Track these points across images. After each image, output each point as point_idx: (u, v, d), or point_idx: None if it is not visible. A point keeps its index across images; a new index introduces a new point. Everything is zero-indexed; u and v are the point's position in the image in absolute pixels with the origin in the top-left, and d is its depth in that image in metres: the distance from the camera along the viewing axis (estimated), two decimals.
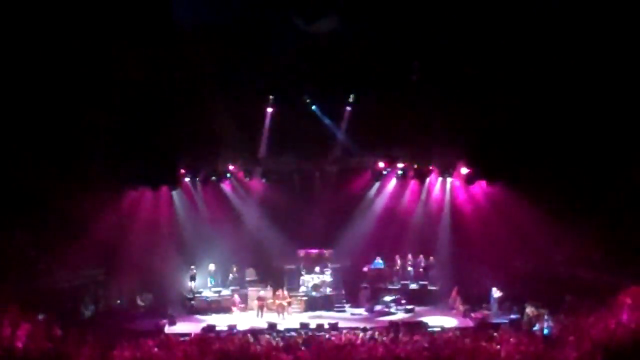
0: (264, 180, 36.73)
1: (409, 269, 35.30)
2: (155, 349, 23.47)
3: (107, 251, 32.28)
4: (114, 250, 32.65)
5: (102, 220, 31.56)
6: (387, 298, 33.78)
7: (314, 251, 35.51)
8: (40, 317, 25.11)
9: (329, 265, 35.11)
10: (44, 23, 26.91)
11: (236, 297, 33.71)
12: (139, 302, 33.31)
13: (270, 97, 33.62)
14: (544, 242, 32.06)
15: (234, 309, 33.26)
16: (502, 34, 28.90)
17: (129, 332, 28.24)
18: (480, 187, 35.02)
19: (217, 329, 29.27)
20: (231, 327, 29.45)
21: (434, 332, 27.96)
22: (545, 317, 27.61)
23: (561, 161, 30.52)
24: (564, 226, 30.45)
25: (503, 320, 30.07)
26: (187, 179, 35.52)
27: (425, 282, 34.77)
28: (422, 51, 30.33)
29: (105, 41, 28.18)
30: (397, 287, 34.64)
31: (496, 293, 32.12)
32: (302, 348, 23.73)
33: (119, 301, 33.19)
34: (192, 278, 34.33)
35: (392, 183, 37.00)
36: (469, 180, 34.97)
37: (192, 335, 27.62)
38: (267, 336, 27.38)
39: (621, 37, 27.41)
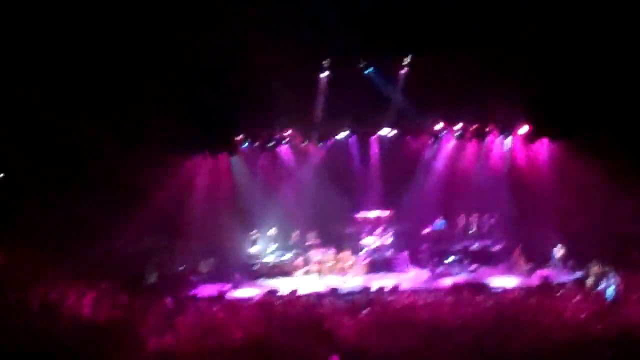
0: (321, 145, 36.69)
1: (473, 229, 35.11)
2: (219, 314, 23.67)
3: (168, 218, 32.60)
4: (175, 217, 32.99)
5: (163, 187, 31.91)
6: (449, 259, 33.65)
7: (374, 214, 35.41)
8: (104, 286, 25.41)
9: (390, 227, 35.03)
10: None
11: (298, 260, 33.85)
12: (202, 268, 33.51)
13: (325, 61, 33.50)
14: (606, 199, 31.61)
15: (295, 272, 33.40)
16: None
17: (193, 298, 28.61)
18: (541, 145, 34.66)
19: (279, 293, 29.46)
20: (293, 291, 29.62)
21: (497, 292, 27.86)
22: (611, 274, 27.34)
23: (621, 118, 30.12)
24: (627, 182, 30.03)
25: (567, 279, 29.84)
26: (244, 145, 35.63)
27: (488, 242, 34.59)
28: (478, 9, 29.94)
29: (158, 8, 28.31)
30: (459, 248, 34.43)
31: (559, 251, 31.88)
32: (365, 311, 23.75)
33: (181, 267, 33.43)
34: (254, 243, 34.53)
35: (451, 144, 36.74)
36: (530, 138, 34.65)
37: (255, 299, 27.80)
38: (329, 299, 27.53)
39: None
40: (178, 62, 30.20)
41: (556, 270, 31.51)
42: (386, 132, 36.34)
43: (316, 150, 36.95)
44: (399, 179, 36.27)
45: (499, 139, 36.11)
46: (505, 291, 28.09)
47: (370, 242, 34.46)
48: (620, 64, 29.29)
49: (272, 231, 34.90)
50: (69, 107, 28.06)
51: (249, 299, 28.06)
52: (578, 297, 24.03)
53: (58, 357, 18.07)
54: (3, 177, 29.01)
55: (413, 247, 34.71)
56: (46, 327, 19.12)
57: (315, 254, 33.70)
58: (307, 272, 33.50)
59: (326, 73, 33.84)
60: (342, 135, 36.43)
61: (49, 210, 28.16)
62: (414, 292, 28.30)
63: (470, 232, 35.03)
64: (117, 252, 30.12)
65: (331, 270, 32.89)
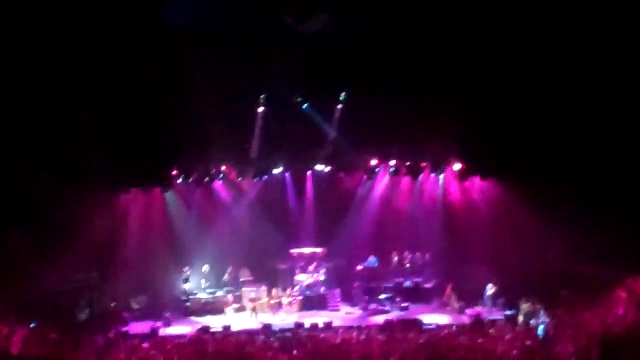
0: (256, 180, 36.63)
1: (406, 265, 35.24)
2: (151, 351, 23.41)
3: (100, 254, 32.15)
4: (107, 253, 32.55)
5: (95, 223, 31.48)
6: (382, 296, 33.71)
7: (308, 250, 35.44)
8: (32, 325, 24.98)
9: (323, 264, 35.06)
10: (35, 23, 26.88)
11: (229, 297, 33.66)
12: (134, 305, 33.17)
13: (261, 96, 33.57)
14: (538, 237, 31.94)
15: (226, 309, 33.21)
16: (495, 29, 28.84)
17: (124, 335, 28.28)
18: (473, 183, 35.04)
19: (212, 330, 29.24)
20: (226, 328, 29.45)
21: (429, 329, 27.96)
22: (541, 312, 27.65)
23: (553, 156, 30.50)
24: (558, 221, 30.31)
25: (499, 316, 30.10)
26: (179, 180, 35.41)
27: (420, 280, 34.78)
28: (412, 48, 30.22)
29: (96, 42, 28.12)
30: (391, 285, 34.53)
31: (491, 289, 32.20)
32: (297, 348, 23.67)
33: (113, 304, 32.98)
34: (186, 279, 34.28)
35: (385, 180, 36.92)
36: (462, 176, 35.00)
37: (188, 336, 27.58)
38: (262, 336, 27.42)
39: (617, 35, 27.39)
40: (113, 95, 29.93)
41: (488, 307, 31.82)
42: (321, 167, 36.37)
43: (251, 186, 36.87)
44: (332, 215, 36.42)
45: (432, 176, 36.29)
46: (437, 328, 28.25)
47: (303, 278, 34.42)
48: (551, 103, 29.70)
49: (205, 267, 34.65)
50: (1, 138, 27.67)
51: (181, 336, 27.82)
52: (509, 335, 24.19)
53: None
54: None
55: (346, 284, 34.83)
56: None
57: (249, 291, 33.53)
58: (239, 309, 33.36)
59: (262, 108, 33.81)
60: (277, 170, 36.36)
61: None
62: (346, 329, 28.25)
63: (402, 269, 35.16)
64: (48, 288, 29.67)
65: (264, 307, 32.76)
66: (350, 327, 28.79)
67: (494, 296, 32.09)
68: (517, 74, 29.58)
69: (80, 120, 29.18)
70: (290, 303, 33.06)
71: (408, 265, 35.24)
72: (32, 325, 24.84)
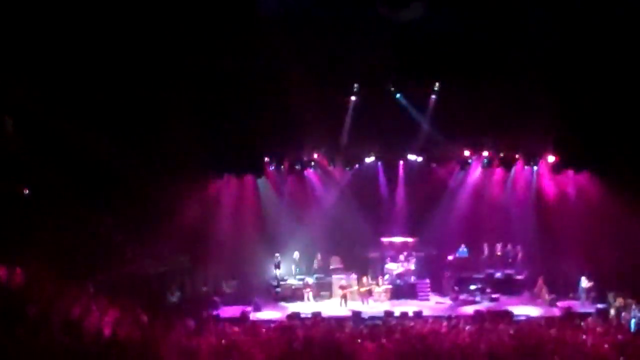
0: (348, 169, 36.76)
1: (497, 257, 34.99)
2: (241, 336, 23.69)
3: (193, 238, 32.59)
4: (200, 238, 32.99)
5: (188, 207, 31.98)
6: (472, 287, 33.53)
7: (399, 239, 35.37)
8: (126, 304, 25.39)
9: (414, 253, 34.98)
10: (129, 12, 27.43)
11: (308, 280, 34.02)
12: (225, 289, 33.66)
13: (355, 85, 33.62)
14: (631, 232, 31.37)
15: (318, 296, 33.47)
16: (592, 19, 28.42)
17: (215, 319, 28.63)
18: (567, 175, 34.55)
19: (302, 316, 29.49)
20: (316, 315, 29.62)
21: (519, 321, 27.75)
22: (633, 306, 27.20)
23: None
24: None
25: (590, 310, 29.71)
26: (271, 167, 35.78)
27: (511, 272, 34.49)
28: (508, 39, 29.94)
29: (193, 31, 28.54)
30: (482, 276, 34.34)
31: (585, 283, 31.72)
32: (386, 336, 23.68)
33: (204, 288, 33.54)
34: (277, 265, 34.56)
35: (478, 172, 36.66)
36: (556, 169, 34.56)
37: (277, 321, 27.82)
38: (351, 324, 27.53)
39: None
40: (208, 84, 30.40)
41: (581, 301, 31.40)
42: (413, 158, 36.28)
43: (343, 174, 36.95)
44: (424, 205, 36.25)
45: (525, 168, 35.94)
46: (527, 320, 28.01)
47: (393, 267, 34.38)
48: None
49: (296, 254, 34.92)
50: (97, 126, 28.26)
51: (271, 322, 28.10)
52: (600, 329, 23.88)
53: None
54: (29, 193, 29.18)
55: (436, 273, 34.68)
56: (67, 344, 19.13)
57: (339, 279, 33.65)
58: (329, 296, 33.51)
59: (354, 97, 33.88)
60: (369, 159, 36.42)
61: (73, 227, 28.27)
62: (436, 319, 28.23)
63: (493, 260, 34.89)
64: (140, 271, 30.17)
65: (354, 295, 32.84)
66: (440, 317, 28.74)
67: (588, 290, 31.61)
68: (615, 64, 29.11)
69: (176, 107, 29.68)
70: (384, 291, 33.04)
71: (499, 257, 34.90)
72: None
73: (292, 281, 34.36)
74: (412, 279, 34.35)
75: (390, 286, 33.57)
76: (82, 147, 28.44)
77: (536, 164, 35.52)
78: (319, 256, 35.01)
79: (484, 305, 31.61)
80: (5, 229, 25.12)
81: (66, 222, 27.99)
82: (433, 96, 34.17)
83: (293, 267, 34.87)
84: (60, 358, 18.24)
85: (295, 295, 33.72)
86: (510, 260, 34.85)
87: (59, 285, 23.52)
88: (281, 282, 34.22)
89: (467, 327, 25.37)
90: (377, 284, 33.21)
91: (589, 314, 28.65)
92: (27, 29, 26.31)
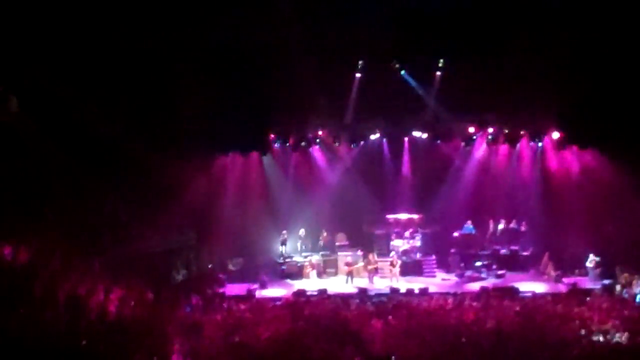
0: (352, 146, 36.72)
1: (502, 234, 34.99)
2: (247, 313, 23.73)
3: (199, 216, 32.67)
4: (205, 215, 33.04)
5: (193, 185, 31.91)
6: (478, 263, 33.56)
7: (404, 216, 35.36)
8: (131, 282, 25.40)
9: (419, 230, 34.98)
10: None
11: (313, 259, 34.07)
12: (230, 267, 33.66)
13: (360, 62, 33.52)
14: (636, 207, 31.33)
15: (323, 273, 33.51)
16: None
17: (221, 296, 28.66)
18: (572, 152, 34.47)
19: (308, 293, 29.52)
20: (321, 292, 29.66)
21: (524, 297, 27.76)
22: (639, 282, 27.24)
23: None
24: None
25: (595, 285, 29.72)
26: (276, 145, 35.75)
27: (517, 248, 34.50)
28: (513, 14, 29.82)
29: (198, 8, 28.46)
30: (487, 253, 34.37)
31: (592, 259, 31.68)
32: (392, 313, 23.70)
33: (210, 265, 33.54)
34: (283, 243, 34.66)
35: (483, 148, 36.59)
36: (560, 145, 34.49)
37: (283, 299, 27.86)
38: (357, 301, 27.56)
39: None
40: (213, 61, 30.31)
41: (589, 277, 31.41)
42: (418, 134, 36.21)
43: (347, 151, 36.90)
44: (429, 181, 36.29)
45: (530, 144, 35.87)
46: (533, 296, 28.01)
47: (399, 244, 34.37)
48: None
49: (302, 231, 34.96)
50: (103, 103, 28.21)
51: (277, 299, 28.11)
52: (606, 304, 23.88)
53: (83, 352, 18.15)
54: (35, 170, 29.19)
55: (442, 250, 34.68)
56: (72, 321, 19.16)
57: (344, 255, 33.66)
58: (335, 273, 33.54)
59: (359, 75, 33.79)
60: (374, 136, 36.36)
61: (79, 205, 28.23)
62: (442, 295, 28.24)
63: (499, 236, 34.88)
64: (145, 248, 30.17)
65: (360, 272, 32.86)
66: (446, 294, 28.75)
67: (595, 266, 31.58)
68: (620, 40, 29.00)
69: (180, 84, 29.62)
70: (386, 268, 32.94)
71: (504, 233, 34.89)
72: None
73: (298, 258, 34.37)
74: (418, 255, 34.38)
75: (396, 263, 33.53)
76: (87, 125, 28.38)
77: (541, 140, 35.43)
78: (324, 233, 35.07)
79: (490, 282, 31.65)
80: (10, 207, 25.08)
81: (71, 200, 27.95)
82: (438, 73, 33.94)
83: (299, 244, 34.92)
84: (66, 336, 18.27)
85: (301, 272, 33.69)
86: (515, 236, 34.79)
87: (64, 263, 23.47)
88: (287, 260, 34.24)
89: (473, 304, 25.39)
90: (392, 264, 32.80)
91: (594, 290, 28.63)
92: (30, 4, 26.21)
